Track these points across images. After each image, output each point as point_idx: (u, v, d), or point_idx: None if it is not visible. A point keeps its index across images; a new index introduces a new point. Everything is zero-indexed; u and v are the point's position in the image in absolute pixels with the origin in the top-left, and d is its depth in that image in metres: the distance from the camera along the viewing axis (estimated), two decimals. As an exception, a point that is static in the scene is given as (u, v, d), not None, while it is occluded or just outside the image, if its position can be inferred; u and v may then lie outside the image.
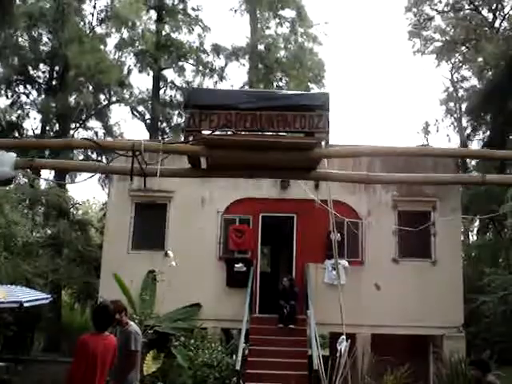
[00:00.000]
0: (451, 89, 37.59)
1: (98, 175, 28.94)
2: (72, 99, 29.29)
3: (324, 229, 14.83)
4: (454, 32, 34.96)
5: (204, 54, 33.36)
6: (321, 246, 15.68)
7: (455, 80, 37.59)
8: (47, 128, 28.83)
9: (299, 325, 14.48)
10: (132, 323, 7.76)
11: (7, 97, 28.98)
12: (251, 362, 12.86)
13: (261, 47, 32.82)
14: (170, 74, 33.96)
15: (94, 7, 30.87)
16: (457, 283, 15.78)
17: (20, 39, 28.89)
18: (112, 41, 31.24)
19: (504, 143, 23.18)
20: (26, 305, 13.52)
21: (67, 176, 27.13)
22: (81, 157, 28.38)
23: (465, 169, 27.02)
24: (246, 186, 15.77)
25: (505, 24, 32.15)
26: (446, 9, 35.69)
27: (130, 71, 31.80)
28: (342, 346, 10.99)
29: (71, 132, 29.41)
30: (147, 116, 32.94)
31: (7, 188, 18.53)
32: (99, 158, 26.36)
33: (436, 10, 36.12)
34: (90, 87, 29.75)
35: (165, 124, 33.39)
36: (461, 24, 33.86)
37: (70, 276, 23.36)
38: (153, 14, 32.88)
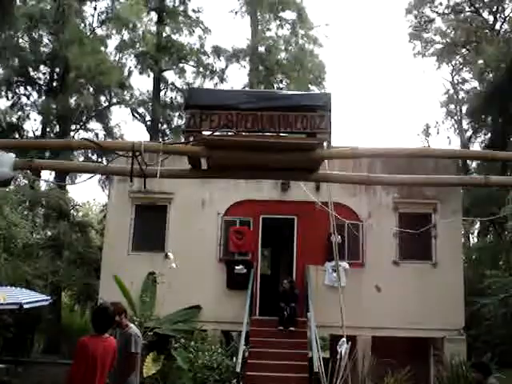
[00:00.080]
0: (452, 91, 37.62)
1: (98, 176, 28.99)
2: (72, 101, 29.29)
3: (324, 231, 14.82)
4: (454, 34, 34.96)
5: (204, 55, 33.39)
6: (321, 248, 15.66)
7: (456, 82, 37.62)
8: (47, 129, 28.80)
9: (299, 327, 14.45)
10: (132, 325, 7.73)
11: (8, 98, 28.99)
12: (251, 364, 12.83)
13: (261, 49, 32.83)
14: (170, 75, 34.03)
15: (95, 9, 30.95)
16: (457, 285, 15.75)
17: (20, 40, 28.88)
18: (112, 42, 31.35)
19: (505, 145, 23.14)
20: (25, 306, 13.49)
21: (67, 177, 27.08)
22: (81, 158, 28.39)
23: (465, 171, 27.00)
24: (246, 187, 15.77)
25: (505, 26, 32.15)
26: (446, 11, 35.70)
27: (130, 73, 31.84)
28: (343, 348, 11.00)
29: (71, 133, 29.41)
30: (148, 118, 32.96)
31: (7, 189, 18.51)
32: (99, 160, 26.38)
33: (436, 12, 36.15)
34: (91, 89, 29.73)
35: (165, 126, 33.39)
36: (461, 26, 33.86)
37: (70, 278, 23.35)
38: (153, 15, 32.93)
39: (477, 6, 33.87)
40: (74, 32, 27.27)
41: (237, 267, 15.66)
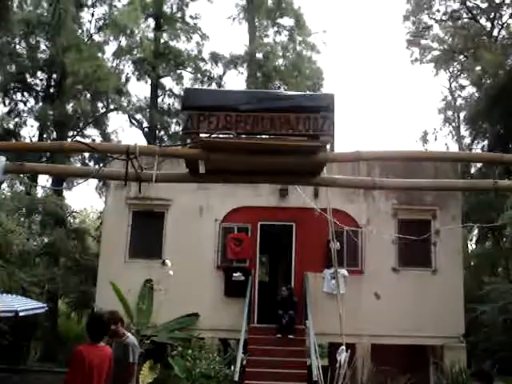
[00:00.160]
0: (449, 97, 37.64)
1: (95, 183, 28.96)
2: (69, 107, 29.24)
3: (323, 237, 14.73)
4: (452, 41, 34.95)
5: (202, 62, 33.39)
6: (320, 255, 15.58)
7: (453, 89, 37.66)
8: (44, 136, 28.72)
9: (298, 335, 14.32)
10: (129, 334, 7.60)
11: (4, 104, 28.98)
12: (249, 373, 12.68)
13: (259, 55, 32.81)
14: (168, 81, 34.01)
15: (92, 15, 31.02)
16: (457, 292, 15.67)
17: (17, 46, 28.85)
18: (110, 48, 31.40)
19: (506, 152, 23.10)
20: (21, 314, 13.39)
21: (64, 184, 26.97)
22: (78, 164, 28.27)
23: (463, 177, 26.93)
24: (244, 194, 15.69)
25: (503, 33, 32.16)
26: (444, 18, 35.70)
27: (127, 79, 31.80)
28: (342, 356, 10.85)
29: (68, 140, 29.27)
30: (145, 124, 32.91)
31: (3, 196, 18.41)
32: (96, 166, 26.26)
33: (434, 19, 36.17)
34: (88, 95, 29.66)
35: (163, 132, 33.34)
36: (459, 33, 33.84)
37: (67, 285, 23.22)
38: (151, 22, 32.96)
39: (474, 12, 33.90)
40: (71, 38, 27.23)
41: (235, 274, 15.55)
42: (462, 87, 37.02)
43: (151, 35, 32.20)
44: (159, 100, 33.24)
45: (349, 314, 11.82)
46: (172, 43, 32.91)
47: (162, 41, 32.43)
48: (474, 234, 30.65)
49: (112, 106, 31.38)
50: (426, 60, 36.90)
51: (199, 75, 33.19)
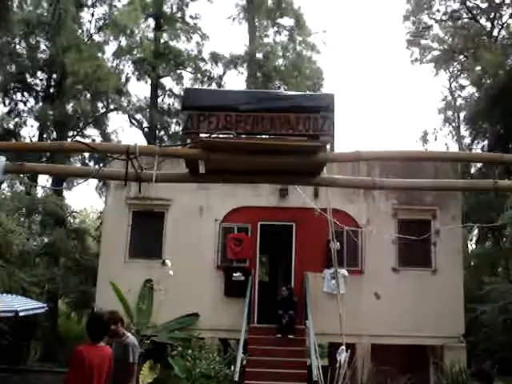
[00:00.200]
0: (449, 97, 37.63)
1: (95, 183, 28.97)
2: (69, 107, 29.24)
3: (323, 237, 14.73)
4: (452, 41, 34.94)
5: (202, 62, 33.38)
6: (320, 255, 15.57)
7: (453, 89, 37.64)
8: (44, 136, 28.71)
9: (298, 335, 14.32)
10: (129, 334, 7.60)
11: (5, 104, 28.97)
12: (250, 373, 12.67)
13: (259, 55, 32.80)
14: (168, 81, 34.00)
15: (92, 15, 31.02)
16: (457, 292, 15.67)
17: (17, 46, 28.84)
18: (110, 48, 31.40)
19: (507, 152, 23.08)
20: (21, 314, 13.39)
21: (64, 184, 26.98)
22: (78, 165, 28.26)
23: (463, 177, 26.91)
24: (244, 194, 15.69)
25: (503, 33, 32.16)
26: (444, 18, 35.69)
27: (128, 79, 31.79)
28: (342, 356, 10.84)
29: (68, 140, 29.26)
30: (145, 124, 32.89)
31: (3, 196, 18.41)
32: (96, 166, 26.23)
33: (434, 19, 36.16)
34: (88, 95, 29.65)
35: (163, 132, 33.33)
36: (459, 33, 33.83)
37: (67, 285, 23.22)
38: (151, 22, 32.95)
39: (474, 12, 33.90)
40: (71, 38, 27.23)
41: (235, 274, 15.54)
42: (462, 87, 37.04)
43: (151, 35, 32.20)
44: (159, 100, 33.25)
45: (349, 314, 11.82)
46: (172, 43, 32.92)
47: (162, 41, 32.43)
48: (474, 233, 30.67)
49: (112, 106, 31.38)
50: (426, 60, 36.92)
51: (199, 75, 33.18)
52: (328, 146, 6.74)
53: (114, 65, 31.30)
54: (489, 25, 33.45)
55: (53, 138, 28.79)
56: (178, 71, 33.31)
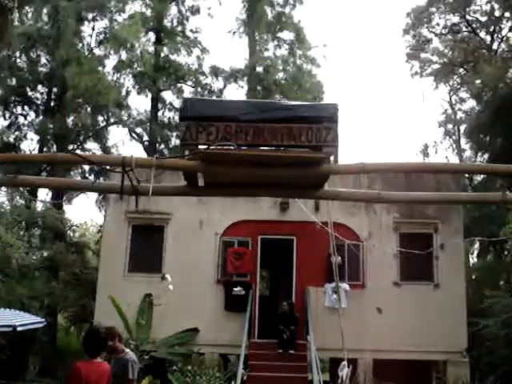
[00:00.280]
0: (450, 111, 37.63)
1: (95, 196, 28.86)
2: (70, 120, 29.25)
3: (324, 251, 14.63)
4: (451, 54, 35.02)
5: (202, 75, 33.39)
6: (321, 269, 15.46)
7: (453, 102, 37.66)
8: (45, 149, 28.66)
9: (299, 350, 14.18)
10: (128, 350, 7.49)
11: (5, 118, 28.95)
12: (250, 389, 12.55)
13: (259, 69, 32.81)
14: (168, 95, 33.98)
15: (93, 29, 31.05)
16: (460, 307, 15.55)
17: (18, 60, 28.90)
18: (110, 62, 31.29)
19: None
20: (19, 329, 13.22)
21: (64, 197, 26.92)
22: (78, 177, 28.21)
23: (465, 189, 26.85)
24: (244, 207, 15.60)
25: (503, 46, 32.24)
26: (443, 31, 35.79)
27: (128, 93, 31.75)
28: (344, 372, 10.75)
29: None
30: (145, 138, 32.83)
31: (2, 209, 18.34)
32: (97, 179, 26.17)
33: (434, 32, 36.24)
34: (88, 108, 29.67)
35: (163, 146, 33.26)
36: (459, 46, 33.92)
37: (66, 299, 23.06)
38: (151, 35, 32.97)
39: (474, 26, 34.01)
40: (71, 52, 27.27)
41: (235, 289, 15.42)
42: (462, 100, 37.04)
43: (151, 49, 32.23)
44: (159, 114, 33.20)
45: (350, 329, 11.72)
46: (172, 57, 32.92)
47: (162, 55, 32.43)
48: (476, 247, 30.54)
49: (112, 120, 31.36)
50: (425, 73, 36.94)
51: (199, 89, 33.18)
52: (332, 158, 6.54)
53: (115, 78, 31.30)
54: (488, 38, 33.56)
55: (53, 152, 28.73)
56: (179, 85, 33.31)
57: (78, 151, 29.40)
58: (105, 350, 6.66)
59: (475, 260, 31.74)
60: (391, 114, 66.87)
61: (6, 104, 28.44)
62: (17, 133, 29.11)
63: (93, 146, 31.45)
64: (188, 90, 33.51)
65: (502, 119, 22.66)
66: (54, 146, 28.98)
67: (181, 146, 6.73)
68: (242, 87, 33.45)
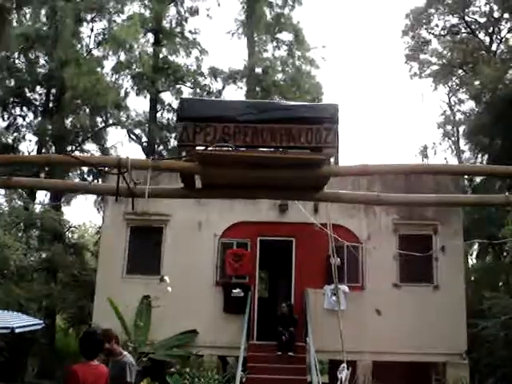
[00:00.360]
0: (448, 112, 37.63)
1: (93, 198, 28.82)
2: (68, 121, 29.22)
3: (323, 253, 14.60)
4: (450, 55, 35.03)
5: (201, 76, 33.36)
6: (320, 271, 15.41)
7: (452, 103, 37.65)
8: (43, 150, 28.62)
9: (298, 352, 14.13)
10: (126, 353, 7.44)
11: (3, 119, 28.96)
12: (249, 391, 12.50)
13: (258, 70, 32.79)
14: (167, 96, 33.93)
15: (92, 30, 31.07)
16: (459, 308, 15.51)
17: (16, 61, 28.89)
18: (109, 63, 31.24)
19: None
20: (17, 331, 13.20)
21: (62, 199, 26.88)
22: (76, 179, 28.16)
23: (464, 191, 26.81)
24: (243, 209, 15.55)
25: (502, 47, 32.24)
26: (442, 32, 35.82)
27: (127, 94, 31.71)
28: (343, 374, 10.69)
29: (67, 155, 29.18)
30: (144, 139, 32.80)
31: (0, 211, 18.30)
32: (96, 181, 26.14)
33: (433, 33, 36.27)
34: (87, 109, 29.67)
35: (162, 147, 33.22)
36: (458, 47, 33.94)
37: (65, 301, 23.01)
38: (150, 36, 32.96)
39: (473, 27, 34.05)
40: (70, 53, 27.24)
41: (234, 290, 15.36)
42: (461, 101, 37.04)
43: (150, 50, 32.21)
44: (158, 115, 33.18)
45: (349, 331, 11.66)
46: (171, 58, 32.89)
47: (161, 56, 32.41)
48: (475, 248, 30.52)
49: (111, 121, 31.34)
50: (425, 74, 36.95)
51: (198, 90, 33.14)
52: (332, 160, 6.44)
53: (113, 79, 31.26)
54: (487, 39, 33.59)
55: (51, 153, 28.68)
56: (178, 86, 33.29)
57: (77, 152, 29.40)
58: (101, 352, 6.61)
59: (474, 261, 31.71)
60: (390, 116, 66.87)
61: (5, 105, 28.44)
62: (15, 134, 29.15)
63: (91, 147, 31.47)
64: (187, 91, 33.50)
65: (501, 120, 22.65)
66: (53, 148, 28.95)
67: (178, 147, 6.58)
68: (241, 88, 33.47)
